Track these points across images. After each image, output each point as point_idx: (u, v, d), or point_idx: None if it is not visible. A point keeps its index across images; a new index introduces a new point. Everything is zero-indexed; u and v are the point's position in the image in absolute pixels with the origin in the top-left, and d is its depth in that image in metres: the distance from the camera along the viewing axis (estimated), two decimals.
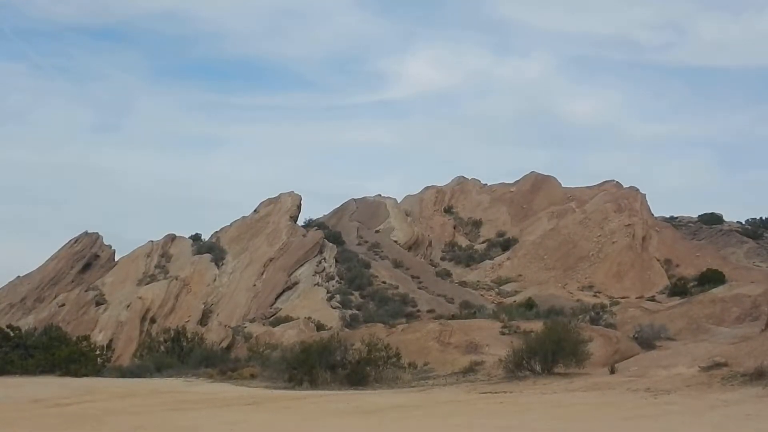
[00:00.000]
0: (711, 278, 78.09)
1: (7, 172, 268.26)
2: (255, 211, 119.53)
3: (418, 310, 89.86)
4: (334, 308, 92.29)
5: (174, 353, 49.05)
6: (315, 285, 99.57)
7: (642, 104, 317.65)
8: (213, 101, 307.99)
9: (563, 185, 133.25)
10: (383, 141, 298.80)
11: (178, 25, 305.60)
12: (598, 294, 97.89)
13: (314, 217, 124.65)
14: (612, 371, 30.41)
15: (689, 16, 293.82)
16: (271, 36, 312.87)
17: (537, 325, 39.62)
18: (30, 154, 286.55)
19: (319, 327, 75.84)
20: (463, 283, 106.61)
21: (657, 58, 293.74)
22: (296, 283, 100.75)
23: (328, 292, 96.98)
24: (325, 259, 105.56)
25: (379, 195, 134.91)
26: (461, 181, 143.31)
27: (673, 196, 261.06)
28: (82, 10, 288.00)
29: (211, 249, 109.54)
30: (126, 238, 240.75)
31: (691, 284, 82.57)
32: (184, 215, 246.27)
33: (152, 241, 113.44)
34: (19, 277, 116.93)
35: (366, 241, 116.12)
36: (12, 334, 48.08)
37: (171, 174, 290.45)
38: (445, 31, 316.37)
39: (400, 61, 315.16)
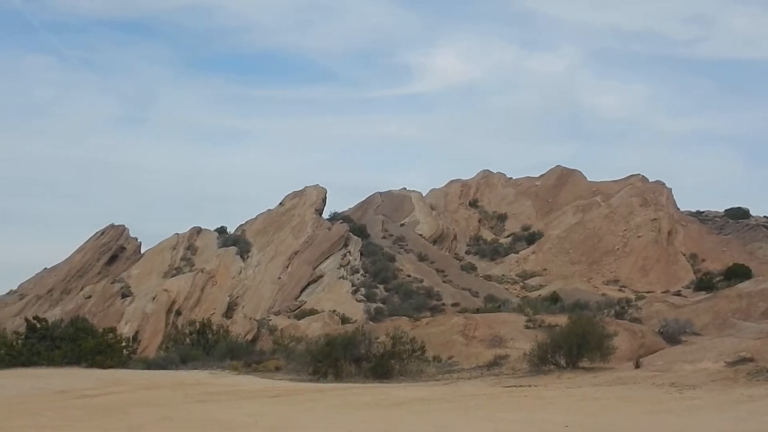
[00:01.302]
0: (737, 273, 77.91)
1: (34, 166, 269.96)
2: (280, 204, 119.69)
3: (443, 304, 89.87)
4: (359, 301, 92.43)
5: (199, 345, 49.20)
6: (340, 278, 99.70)
7: (668, 98, 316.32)
8: (238, 94, 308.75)
9: (588, 179, 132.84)
10: (409, 134, 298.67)
11: (204, 18, 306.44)
12: (623, 288, 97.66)
13: (339, 211, 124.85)
14: (637, 366, 30.32)
15: (717, 10, 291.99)
16: (296, 29, 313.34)
17: (562, 319, 39.56)
18: (56, 147, 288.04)
19: (344, 320, 75.95)
20: (487, 277, 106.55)
21: (684, 52, 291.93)
22: (321, 276, 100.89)
23: (352, 285, 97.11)
24: (350, 252, 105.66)
25: (404, 188, 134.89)
26: (486, 175, 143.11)
27: (700, 190, 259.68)
28: (109, 3, 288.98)
29: (236, 242, 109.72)
30: (151, 231, 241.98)
31: (717, 279, 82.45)
32: (209, 208, 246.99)
33: (178, 234, 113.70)
34: (46, 269, 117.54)
35: (391, 235, 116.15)
36: (39, 325, 48.22)
37: (196, 167, 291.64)
38: (472, 24, 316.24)
39: (426, 55, 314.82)
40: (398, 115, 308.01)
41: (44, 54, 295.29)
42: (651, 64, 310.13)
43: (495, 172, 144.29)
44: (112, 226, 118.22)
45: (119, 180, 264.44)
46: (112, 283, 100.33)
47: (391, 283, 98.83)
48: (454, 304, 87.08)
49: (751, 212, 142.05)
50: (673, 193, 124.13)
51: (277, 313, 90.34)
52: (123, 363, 44.42)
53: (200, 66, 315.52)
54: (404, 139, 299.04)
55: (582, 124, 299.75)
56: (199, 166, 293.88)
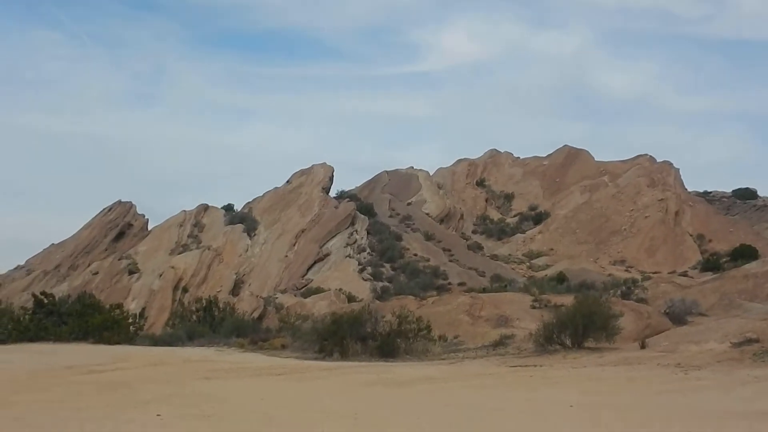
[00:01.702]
0: (744, 253, 77.85)
1: (41, 141, 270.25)
2: (287, 182, 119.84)
3: (449, 283, 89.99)
4: (366, 280, 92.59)
5: (206, 322, 49.42)
6: (346, 257, 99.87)
7: (677, 77, 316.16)
8: (246, 71, 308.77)
9: (596, 159, 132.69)
10: (416, 113, 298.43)
11: None
12: (629, 269, 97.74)
13: (346, 189, 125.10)
14: (643, 346, 30.33)
15: None
16: (305, 6, 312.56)
17: (568, 299, 39.63)
18: (64, 123, 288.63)
19: (350, 298, 76.12)
20: (494, 257, 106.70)
21: (694, 31, 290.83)
22: (328, 255, 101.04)
23: (359, 264, 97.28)
24: (356, 230, 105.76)
25: (412, 167, 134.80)
26: (494, 154, 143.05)
27: (707, 170, 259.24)
28: None
29: (243, 219, 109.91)
30: (159, 208, 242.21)
31: (724, 259, 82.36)
32: (216, 185, 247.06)
33: (185, 211, 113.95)
34: (53, 244, 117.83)
35: (398, 214, 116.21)
36: (46, 301, 48.46)
37: (204, 144, 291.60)
38: (481, 2, 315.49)
39: (435, 32, 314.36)
40: (406, 93, 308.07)
41: (51, 29, 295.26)
42: (660, 42, 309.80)
43: (502, 151, 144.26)
44: (120, 202, 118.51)
45: (127, 156, 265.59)
46: (119, 260, 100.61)
47: (397, 262, 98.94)
48: (461, 284, 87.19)
49: (758, 193, 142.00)
50: (680, 173, 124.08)
51: (283, 291, 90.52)
52: (130, 339, 44.67)
53: (209, 43, 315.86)
54: (412, 118, 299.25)
55: (590, 103, 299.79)
56: (207, 143, 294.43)
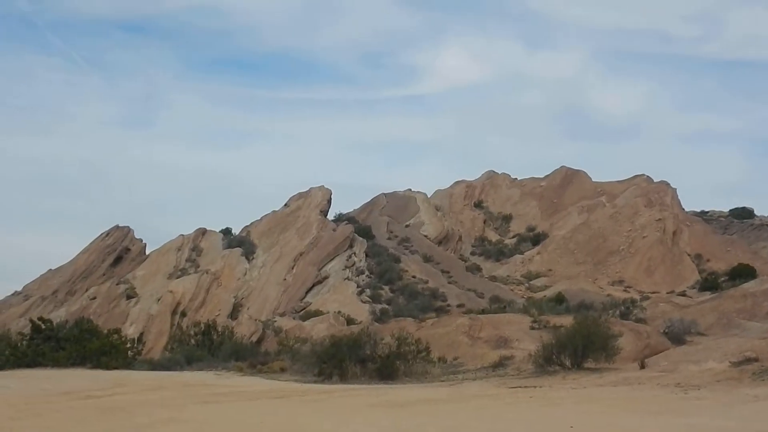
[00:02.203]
0: (742, 273, 77.83)
1: (40, 165, 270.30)
2: (285, 205, 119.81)
3: (448, 305, 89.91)
4: (364, 302, 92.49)
5: (204, 346, 49.28)
6: (345, 279, 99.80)
7: (673, 98, 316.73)
8: (244, 95, 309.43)
9: (593, 179, 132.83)
10: (413, 135, 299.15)
11: (210, 18, 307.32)
12: (628, 289, 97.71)
13: (344, 212, 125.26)
14: (642, 366, 30.32)
15: (723, 9, 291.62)
16: (302, 29, 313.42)
17: (567, 320, 39.55)
18: (62, 148, 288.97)
19: (349, 321, 76.01)
20: (493, 278, 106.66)
21: (690, 51, 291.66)
22: (326, 278, 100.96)
23: (358, 287, 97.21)
24: (355, 253, 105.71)
25: (409, 189, 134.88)
26: (491, 176, 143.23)
27: (704, 190, 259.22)
28: (115, 3, 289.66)
29: (241, 243, 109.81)
30: (156, 232, 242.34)
31: (722, 279, 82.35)
32: (214, 209, 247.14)
33: (183, 235, 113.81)
34: (50, 270, 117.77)
35: (396, 236, 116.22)
36: (44, 326, 48.36)
37: (202, 168, 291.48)
38: (477, 25, 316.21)
39: (432, 55, 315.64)
40: (403, 115, 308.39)
41: (50, 55, 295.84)
42: (656, 63, 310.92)
43: (500, 172, 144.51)
44: (117, 227, 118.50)
45: (124, 180, 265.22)
46: (117, 285, 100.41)
47: (396, 284, 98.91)
48: (459, 305, 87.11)
49: (755, 212, 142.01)
50: (677, 193, 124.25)
51: (282, 314, 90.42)
52: (128, 364, 44.52)
53: (206, 66, 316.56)
54: (409, 140, 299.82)
55: (587, 123, 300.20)
56: (205, 167, 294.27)
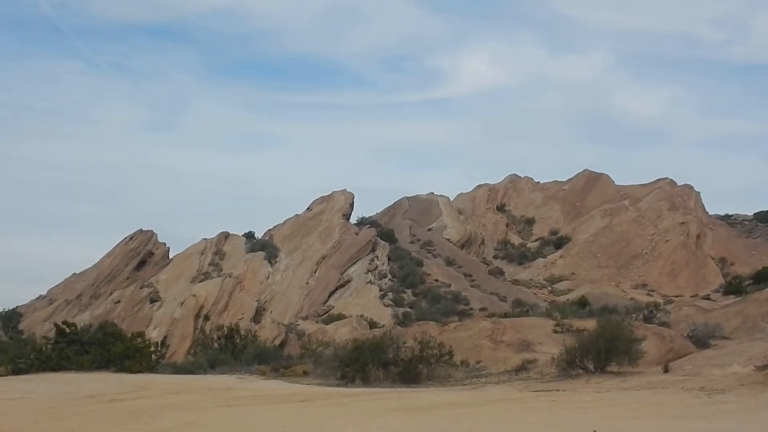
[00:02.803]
0: (766, 276, 77.31)
1: (64, 170, 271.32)
2: (308, 209, 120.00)
3: (471, 308, 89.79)
4: (387, 306, 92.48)
5: (227, 350, 49.35)
6: (367, 283, 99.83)
7: (698, 101, 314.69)
8: (267, 99, 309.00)
9: (616, 183, 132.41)
10: (436, 138, 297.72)
11: (232, 22, 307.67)
12: (651, 292, 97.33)
13: (367, 215, 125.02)
14: (666, 370, 30.22)
15: (748, 13, 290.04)
16: (325, 33, 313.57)
17: (590, 324, 39.40)
18: (86, 152, 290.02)
19: (372, 325, 76.00)
20: (515, 282, 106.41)
21: (715, 55, 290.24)
22: (349, 281, 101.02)
23: (380, 290, 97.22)
24: (377, 257, 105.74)
25: (432, 193, 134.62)
26: (514, 179, 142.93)
27: (728, 194, 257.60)
28: (139, 8, 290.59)
29: (264, 247, 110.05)
30: (180, 236, 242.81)
31: (747, 282, 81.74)
32: (237, 213, 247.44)
33: (206, 239, 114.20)
34: (75, 274, 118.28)
35: (418, 239, 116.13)
36: (68, 330, 48.44)
37: (225, 172, 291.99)
38: (500, 28, 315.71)
39: (455, 59, 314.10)
40: (426, 119, 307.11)
41: (74, 59, 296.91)
42: (681, 66, 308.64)
43: (522, 176, 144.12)
44: (141, 231, 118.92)
45: (148, 185, 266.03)
46: (140, 288, 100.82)
47: (418, 287, 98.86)
48: (482, 309, 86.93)
49: None
50: (701, 196, 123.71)
51: (305, 318, 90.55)
52: (151, 368, 44.59)
53: (229, 71, 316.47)
54: (432, 144, 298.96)
55: (610, 127, 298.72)
56: (228, 171, 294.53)
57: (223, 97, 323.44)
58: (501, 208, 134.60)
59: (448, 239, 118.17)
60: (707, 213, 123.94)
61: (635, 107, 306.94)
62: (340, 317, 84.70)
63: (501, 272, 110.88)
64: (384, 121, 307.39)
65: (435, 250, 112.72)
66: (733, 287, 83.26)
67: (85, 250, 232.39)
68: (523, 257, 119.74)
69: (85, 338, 47.78)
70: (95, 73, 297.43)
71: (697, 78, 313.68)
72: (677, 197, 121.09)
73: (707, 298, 76.50)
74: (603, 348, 31.22)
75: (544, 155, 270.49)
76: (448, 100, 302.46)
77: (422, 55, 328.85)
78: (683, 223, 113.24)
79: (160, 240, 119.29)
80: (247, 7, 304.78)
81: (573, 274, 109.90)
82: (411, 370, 33.63)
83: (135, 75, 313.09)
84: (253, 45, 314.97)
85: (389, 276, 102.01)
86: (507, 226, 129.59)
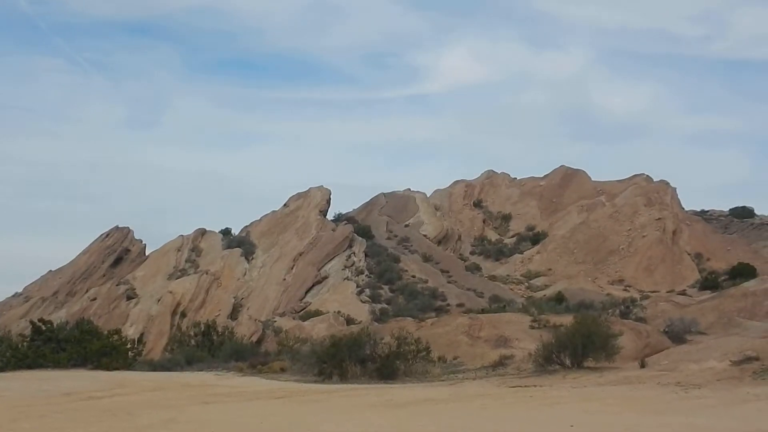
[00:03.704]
0: (742, 272, 77.86)
1: (41, 167, 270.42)
2: (285, 205, 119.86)
3: (448, 304, 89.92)
4: (364, 302, 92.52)
5: (204, 347, 49.25)
6: (344, 279, 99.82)
7: (674, 98, 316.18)
8: (247, 96, 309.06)
9: (593, 179, 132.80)
10: (414, 135, 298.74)
11: (213, 19, 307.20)
12: (628, 288, 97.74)
13: (344, 212, 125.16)
14: (642, 365, 30.34)
15: (728, 9, 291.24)
16: (304, 30, 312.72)
17: (567, 319, 39.52)
18: (65, 150, 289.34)
19: (349, 321, 76.11)
20: (492, 278, 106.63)
21: (694, 51, 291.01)
22: (326, 278, 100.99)
23: (357, 287, 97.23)
24: (354, 253, 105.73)
25: (409, 189, 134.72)
26: (490, 175, 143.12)
27: (704, 190, 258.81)
28: (119, 5, 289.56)
29: (241, 243, 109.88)
30: (156, 233, 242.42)
31: (722, 278, 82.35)
32: (214, 210, 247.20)
33: (182, 236, 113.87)
34: (50, 271, 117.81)
35: (395, 236, 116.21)
36: (44, 327, 48.28)
37: (202, 169, 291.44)
38: (480, 25, 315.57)
39: (436, 55, 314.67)
40: (405, 115, 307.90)
41: (53, 57, 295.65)
42: (661, 63, 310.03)
43: (499, 172, 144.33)
44: (117, 228, 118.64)
45: (125, 182, 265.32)
46: (117, 285, 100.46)
47: (395, 283, 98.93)
48: (459, 305, 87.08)
49: (755, 211, 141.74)
50: (677, 192, 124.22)
51: (282, 315, 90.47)
52: (128, 365, 44.49)
53: (209, 68, 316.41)
54: (410, 140, 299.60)
55: (589, 123, 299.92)
56: (206, 168, 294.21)
57: (203, 94, 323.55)
58: (478, 204, 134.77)
59: (425, 235, 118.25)
60: (683, 209, 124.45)
61: (615, 104, 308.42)
62: (317, 313, 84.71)
63: (478, 268, 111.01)
64: (364, 117, 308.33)
65: (412, 246, 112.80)
66: (709, 283, 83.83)
67: (61, 247, 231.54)
68: (499, 253, 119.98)
69: (61, 336, 47.62)
70: (75, 71, 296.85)
71: (677, 74, 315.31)
72: (653, 193, 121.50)
73: (683, 293, 76.99)
74: (580, 343, 31.30)
75: (522, 151, 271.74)
76: (428, 96, 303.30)
77: (403, 51, 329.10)
78: (659, 218, 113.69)
79: (137, 237, 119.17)
80: (228, 4, 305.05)
81: (550, 269, 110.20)
82: (388, 366, 33.62)
83: (115, 72, 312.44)
84: (233, 42, 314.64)
85: (366, 272, 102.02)
86: (484, 222, 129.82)
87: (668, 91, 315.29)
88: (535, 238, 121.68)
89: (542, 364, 31.76)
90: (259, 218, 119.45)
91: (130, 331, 79.19)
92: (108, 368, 41.77)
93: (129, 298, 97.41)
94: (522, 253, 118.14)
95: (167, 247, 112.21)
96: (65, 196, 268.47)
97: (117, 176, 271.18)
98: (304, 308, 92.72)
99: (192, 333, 55.53)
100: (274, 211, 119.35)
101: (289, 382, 33.61)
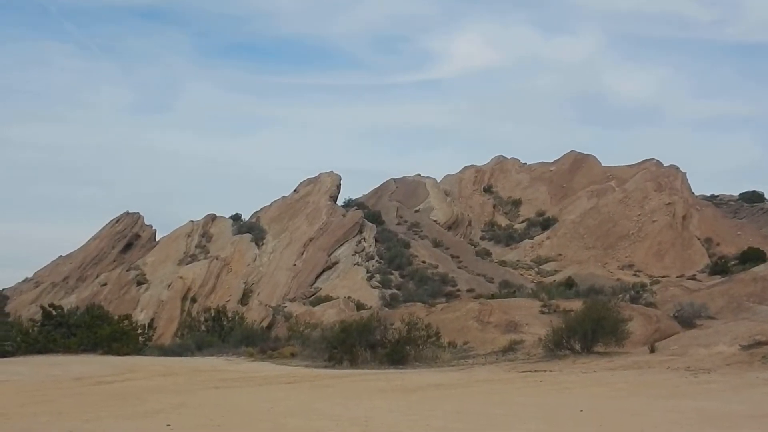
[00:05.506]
0: (752, 256, 77.46)
1: (52, 152, 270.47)
2: (295, 191, 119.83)
3: (458, 290, 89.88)
4: (374, 288, 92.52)
5: (215, 332, 49.34)
6: (355, 265, 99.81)
7: (686, 83, 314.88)
8: (258, 81, 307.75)
9: (603, 164, 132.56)
10: (424, 120, 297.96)
11: (224, 4, 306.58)
12: (638, 273, 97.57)
13: (354, 197, 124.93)
14: (652, 350, 30.32)
15: None
16: (316, 15, 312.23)
17: (577, 304, 39.45)
18: (76, 134, 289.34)
19: (359, 306, 76.06)
20: (502, 263, 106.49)
21: (706, 35, 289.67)
22: (336, 263, 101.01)
23: (367, 272, 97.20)
24: (364, 238, 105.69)
25: (419, 174, 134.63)
26: (500, 161, 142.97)
27: (715, 174, 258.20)
28: None
29: (251, 229, 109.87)
30: (167, 218, 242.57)
31: (732, 263, 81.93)
32: (224, 195, 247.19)
33: (193, 221, 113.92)
34: (61, 256, 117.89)
35: (405, 221, 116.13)
36: (54, 313, 48.41)
37: (214, 154, 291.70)
38: (492, 9, 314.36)
39: (447, 40, 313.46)
40: (416, 101, 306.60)
41: (63, 41, 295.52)
42: (672, 47, 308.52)
43: (509, 157, 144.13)
44: (127, 213, 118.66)
45: (136, 167, 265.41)
46: (127, 271, 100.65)
47: (406, 269, 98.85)
48: (469, 290, 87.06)
49: (766, 196, 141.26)
50: (687, 177, 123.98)
51: (292, 300, 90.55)
52: (138, 350, 44.63)
53: (220, 52, 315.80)
54: (421, 126, 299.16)
55: (600, 108, 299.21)
56: (216, 153, 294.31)
57: (214, 79, 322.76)
58: (488, 190, 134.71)
59: (435, 221, 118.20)
60: (693, 194, 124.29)
61: (626, 88, 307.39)
62: (327, 299, 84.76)
63: (488, 253, 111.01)
64: (375, 102, 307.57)
65: (422, 231, 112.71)
66: (719, 267, 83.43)
67: (72, 232, 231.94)
68: (509, 238, 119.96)
69: (71, 321, 47.77)
70: (85, 56, 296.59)
71: (689, 59, 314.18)
72: (663, 178, 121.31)
73: (693, 278, 76.74)
74: (589, 328, 31.28)
75: (532, 136, 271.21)
76: (439, 81, 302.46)
77: (414, 36, 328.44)
78: (669, 203, 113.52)
79: (147, 222, 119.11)
80: None
81: (560, 255, 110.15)
82: (398, 352, 33.65)
83: (125, 57, 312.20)
84: (244, 26, 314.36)
85: (376, 258, 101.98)
86: (494, 207, 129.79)
87: (679, 75, 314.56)
88: (545, 223, 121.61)
89: (552, 349, 31.76)
90: (269, 204, 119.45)
91: (141, 317, 79.34)
92: (118, 353, 41.87)
93: (139, 283, 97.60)
94: (532, 239, 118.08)
95: (177, 232, 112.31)
96: (75, 181, 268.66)
97: (127, 161, 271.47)
98: (315, 294, 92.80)
99: (202, 318, 55.70)
100: (284, 197, 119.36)
101: (299, 367, 33.67)
